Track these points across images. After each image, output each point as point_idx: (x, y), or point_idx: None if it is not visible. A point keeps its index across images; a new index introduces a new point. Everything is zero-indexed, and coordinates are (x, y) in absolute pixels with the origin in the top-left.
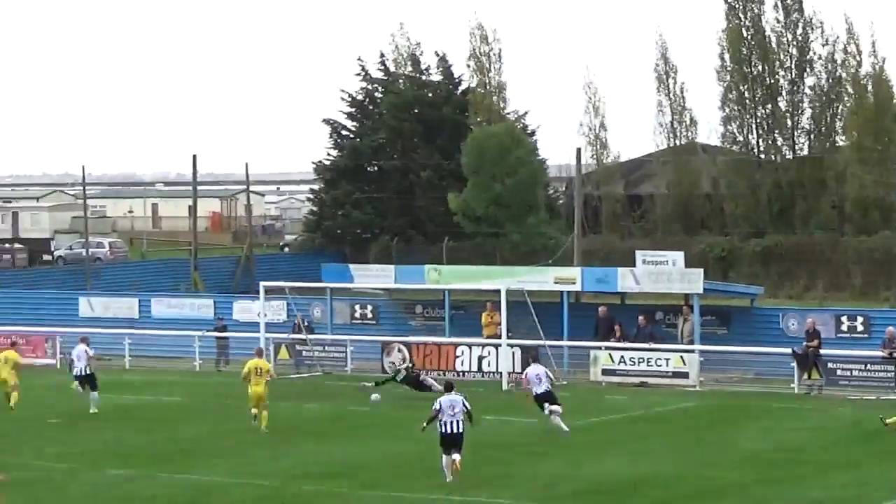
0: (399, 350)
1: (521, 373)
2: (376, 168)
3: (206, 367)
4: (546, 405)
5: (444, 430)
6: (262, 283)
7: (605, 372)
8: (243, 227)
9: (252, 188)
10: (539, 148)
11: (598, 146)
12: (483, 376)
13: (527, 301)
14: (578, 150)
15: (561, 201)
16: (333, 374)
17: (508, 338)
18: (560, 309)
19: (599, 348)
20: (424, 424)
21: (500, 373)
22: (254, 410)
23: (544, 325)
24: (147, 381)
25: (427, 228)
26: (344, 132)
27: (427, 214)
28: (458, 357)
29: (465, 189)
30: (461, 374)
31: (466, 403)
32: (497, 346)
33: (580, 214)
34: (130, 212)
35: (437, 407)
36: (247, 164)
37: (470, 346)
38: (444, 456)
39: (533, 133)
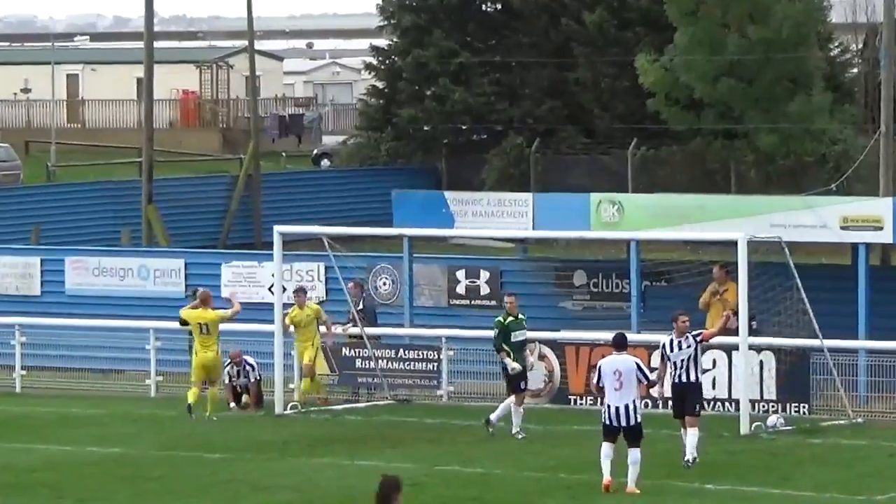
0: (542, 357)
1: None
2: (498, 6)
3: (169, 390)
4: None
5: (605, 414)
6: (276, 228)
7: None
8: (242, 121)
9: (259, 44)
10: None
11: None
12: (707, 406)
13: (788, 263)
14: None
15: (852, 72)
16: (415, 405)
17: (752, 331)
18: (852, 278)
19: None
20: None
21: (734, 401)
22: (191, 397)
23: (819, 307)
24: (56, 418)
25: (597, 122)
26: None
27: (596, 96)
28: (654, 369)
29: (669, 48)
30: (660, 401)
31: (645, 371)
32: (730, 350)
33: (890, 96)
34: (26, 91)
35: (596, 375)
36: (250, 0)
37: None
38: (604, 443)
39: None
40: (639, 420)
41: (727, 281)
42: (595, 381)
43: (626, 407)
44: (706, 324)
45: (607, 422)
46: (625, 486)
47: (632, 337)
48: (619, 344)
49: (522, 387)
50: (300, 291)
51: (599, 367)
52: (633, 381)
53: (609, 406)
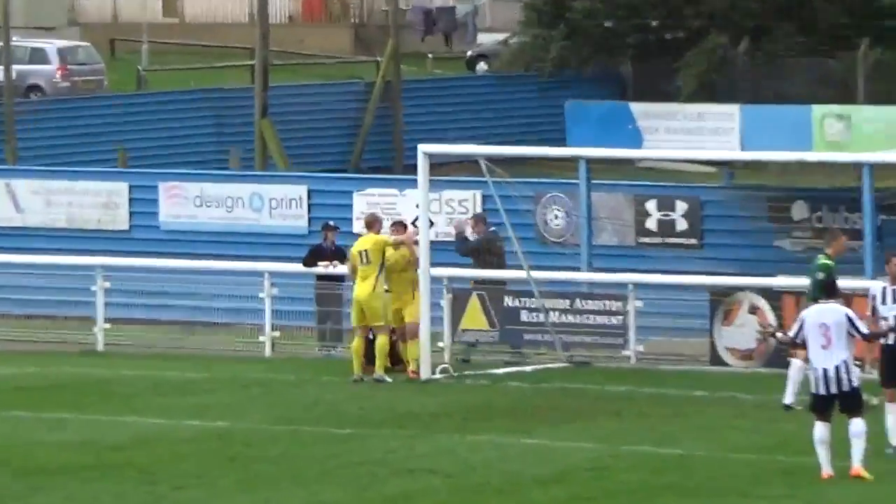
0: (752, 310)
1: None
2: None
3: (288, 348)
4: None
5: (812, 381)
6: (421, 148)
7: None
8: (379, 16)
9: None
10: None
11: None
12: None
13: None
14: None
15: None
16: (595, 369)
17: None
18: None
19: None
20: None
21: None
22: (356, 342)
23: None
24: (147, 383)
25: (819, 17)
26: None
27: None
28: (883, 319)
29: None
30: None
31: (857, 324)
32: None
33: None
34: None
35: (797, 328)
36: None
37: None
38: (817, 423)
39: None
40: (855, 384)
41: None
42: (792, 333)
43: (837, 368)
44: None
45: (815, 390)
46: (848, 470)
47: (865, 284)
48: (828, 290)
49: None
50: (398, 225)
51: (802, 320)
52: (844, 336)
53: (816, 369)
